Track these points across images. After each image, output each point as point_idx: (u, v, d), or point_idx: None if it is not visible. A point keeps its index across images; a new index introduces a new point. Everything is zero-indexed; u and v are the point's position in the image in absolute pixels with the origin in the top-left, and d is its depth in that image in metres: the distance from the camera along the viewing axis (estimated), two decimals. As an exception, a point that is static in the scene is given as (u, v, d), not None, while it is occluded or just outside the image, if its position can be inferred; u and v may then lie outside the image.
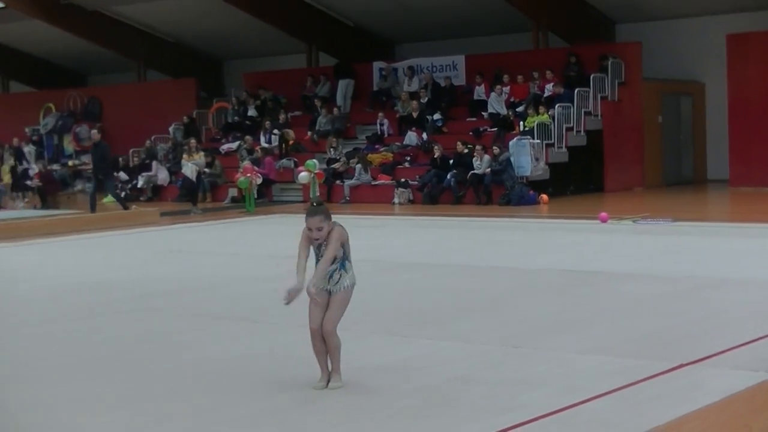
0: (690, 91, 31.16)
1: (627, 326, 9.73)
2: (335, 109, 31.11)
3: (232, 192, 28.91)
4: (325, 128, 30.68)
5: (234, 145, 31.75)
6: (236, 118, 33.71)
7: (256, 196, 26.77)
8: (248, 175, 26.17)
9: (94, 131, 26.52)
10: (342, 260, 7.95)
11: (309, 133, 31.15)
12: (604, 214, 19.81)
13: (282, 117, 31.80)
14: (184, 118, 34.36)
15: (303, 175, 26.80)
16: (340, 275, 7.95)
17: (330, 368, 7.80)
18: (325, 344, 7.79)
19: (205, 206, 27.49)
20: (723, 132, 29.00)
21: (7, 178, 31.10)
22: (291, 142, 30.61)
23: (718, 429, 6.39)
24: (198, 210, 25.88)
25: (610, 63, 28.53)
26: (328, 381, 7.74)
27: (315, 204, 8.09)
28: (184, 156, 27.13)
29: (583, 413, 6.80)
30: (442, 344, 9.11)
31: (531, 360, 8.39)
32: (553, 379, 7.71)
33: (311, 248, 7.99)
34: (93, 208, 24.54)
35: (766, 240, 16.53)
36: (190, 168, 26.50)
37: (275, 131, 31.07)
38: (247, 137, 31.13)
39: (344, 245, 7.98)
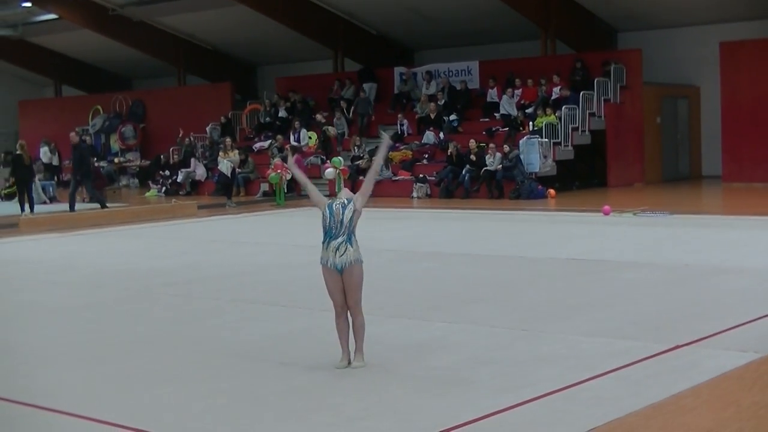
0: (686, 94, 31.02)
1: (628, 311, 9.71)
2: (361, 93, 31.27)
3: (264, 187, 28.90)
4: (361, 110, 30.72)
5: (266, 144, 31.77)
6: (268, 118, 33.74)
7: (285, 191, 26.78)
8: (278, 171, 26.18)
9: (72, 133, 25.45)
10: (349, 233, 7.79)
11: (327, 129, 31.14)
12: (606, 208, 19.75)
13: (319, 116, 31.65)
14: (221, 118, 34.41)
15: (329, 171, 26.53)
16: (346, 248, 7.78)
17: (354, 348, 7.82)
18: (348, 324, 7.80)
19: (239, 200, 27.52)
20: (716, 132, 28.86)
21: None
22: (333, 137, 30.56)
23: (711, 405, 6.38)
24: (233, 203, 25.92)
25: (612, 68, 28.42)
26: (350, 361, 7.76)
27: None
28: (220, 153, 27.17)
29: (587, 390, 6.80)
30: (456, 327, 9.11)
31: (539, 342, 8.39)
32: (559, 360, 7.70)
33: (325, 206, 7.89)
34: (72, 207, 23.68)
35: (757, 231, 16.46)
36: (225, 165, 26.53)
37: (303, 130, 31.09)
38: (279, 136, 31.13)
39: (355, 216, 7.83)
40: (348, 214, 7.76)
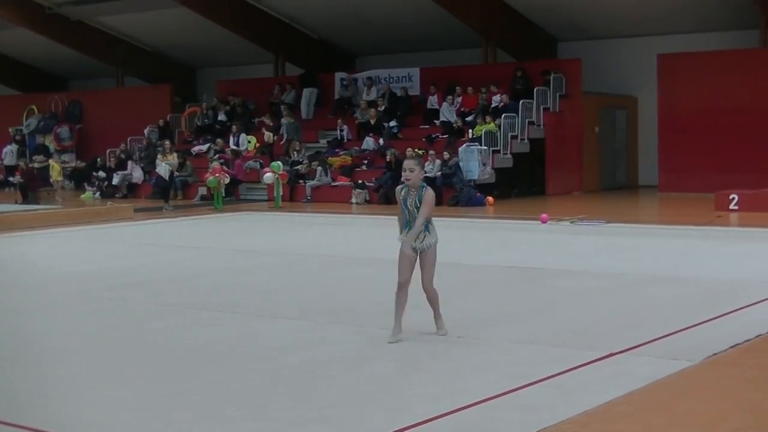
0: (625, 104, 31.39)
1: (563, 318, 9.79)
2: (288, 119, 30.92)
3: (202, 191, 28.76)
4: (288, 135, 30.56)
5: (204, 147, 31.61)
6: (207, 122, 33.56)
7: (224, 195, 26.67)
8: (217, 175, 26.07)
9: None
10: (426, 223, 8.84)
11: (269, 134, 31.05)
12: (544, 216, 19.91)
13: (268, 122, 31.48)
14: (160, 121, 34.19)
15: (268, 176, 26.75)
16: (425, 236, 8.90)
17: (434, 317, 9.03)
18: (407, 298, 8.85)
19: (176, 203, 27.34)
20: (653, 142, 29.24)
21: (56, 175, 30.99)
22: (271, 142, 30.48)
23: (643, 412, 6.45)
24: (170, 207, 25.74)
25: (552, 77, 28.69)
26: (399, 338, 8.74)
27: (414, 152, 8.82)
28: (158, 156, 27.00)
29: (522, 398, 6.83)
30: (393, 333, 9.12)
31: (474, 349, 8.42)
32: (494, 367, 7.74)
33: (400, 203, 8.95)
34: None
35: (691, 241, 16.69)
36: (163, 168, 26.36)
37: (242, 134, 30.97)
38: (219, 140, 30.98)
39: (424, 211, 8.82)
40: (416, 208, 8.83)
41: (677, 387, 7.08)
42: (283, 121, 30.32)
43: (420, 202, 8.79)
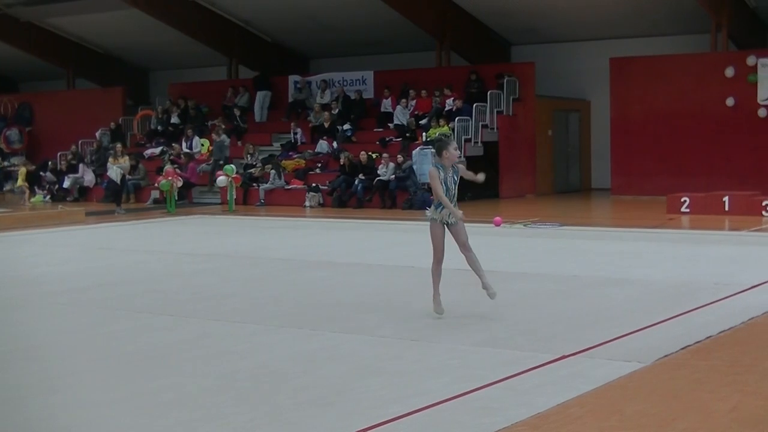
0: (577, 108, 31.63)
1: (517, 321, 9.85)
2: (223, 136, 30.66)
3: (155, 194, 28.61)
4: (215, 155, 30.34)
5: (157, 150, 31.43)
6: (159, 127, 33.35)
7: (177, 198, 26.55)
8: (169, 178, 25.95)
9: None
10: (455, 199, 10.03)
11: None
12: (498, 219, 19.78)
13: (221, 125, 31.28)
14: (111, 124, 33.94)
15: (221, 179, 26.67)
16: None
17: (480, 278, 10.22)
18: (441, 272, 10.12)
19: (128, 207, 27.17)
20: (606, 145, 29.50)
21: (21, 179, 30.89)
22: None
23: (595, 413, 6.50)
24: (122, 210, 25.58)
25: (506, 81, 28.83)
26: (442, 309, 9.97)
27: (444, 137, 10.57)
28: (110, 159, 26.81)
29: (475, 400, 6.87)
30: (346, 337, 9.13)
31: (428, 352, 8.45)
32: (448, 370, 7.76)
33: (441, 183, 9.87)
34: None
35: (643, 243, 16.83)
36: (115, 171, 26.19)
37: (196, 137, 30.84)
38: (175, 145, 30.79)
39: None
40: (454, 184, 10.00)
41: (629, 388, 7.15)
42: (214, 136, 30.07)
43: (457, 177, 9.98)
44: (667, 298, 11.02)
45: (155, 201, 28.49)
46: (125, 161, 26.65)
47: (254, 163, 29.01)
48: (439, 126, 27.00)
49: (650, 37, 29.83)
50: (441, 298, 10.11)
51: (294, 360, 8.26)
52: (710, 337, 8.81)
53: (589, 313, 10.23)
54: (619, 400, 6.85)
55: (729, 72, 26.89)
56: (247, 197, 27.89)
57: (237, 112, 31.69)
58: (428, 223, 10.24)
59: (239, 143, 30.83)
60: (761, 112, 26.58)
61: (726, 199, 21.91)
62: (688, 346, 8.43)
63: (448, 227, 10.11)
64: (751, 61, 26.73)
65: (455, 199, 10.05)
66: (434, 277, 10.18)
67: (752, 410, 6.57)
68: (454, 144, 10.11)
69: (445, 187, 9.93)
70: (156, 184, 27.21)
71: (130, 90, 37.89)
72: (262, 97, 32.42)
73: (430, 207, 10.25)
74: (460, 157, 10.44)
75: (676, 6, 27.97)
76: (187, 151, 30.35)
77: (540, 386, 7.18)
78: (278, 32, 34.54)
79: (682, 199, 22.37)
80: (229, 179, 26.38)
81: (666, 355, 8.08)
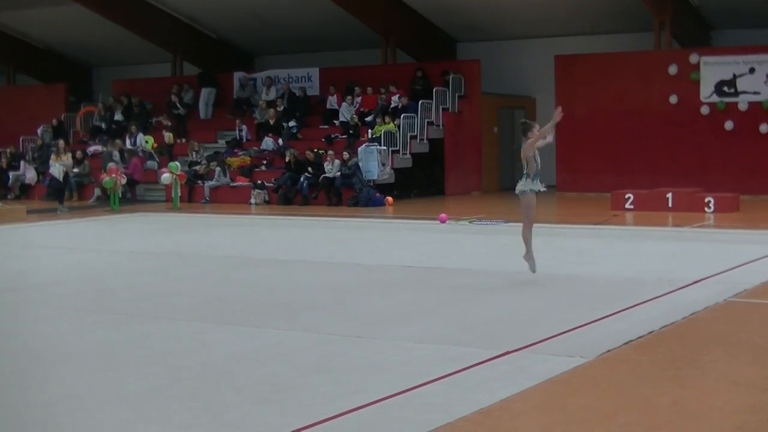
0: (523, 105, 31.80)
1: (461, 317, 9.90)
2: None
3: (98, 191, 28.36)
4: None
5: (100, 148, 31.14)
6: (103, 124, 33.02)
7: (120, 196, 26.34)
8: (113, 175, 25.74)
9: None
10: (529, 172, 11.79)
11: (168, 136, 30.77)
12: (443, 215, 20.08)
13: (166, 122, 31.07)
14: (53, 120, 33.57)
15: (165, 177, 26.52)
16: (522, 180, 11.94)
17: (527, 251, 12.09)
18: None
19: (71, 205, 26.92)
20: (551, 143, 29.66)
21: None
22: (171, 143, 30.18)
23: (538, 409, 6.57)
24: (65, 208, 25.32)
25: (451, 78, 28.94)
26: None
27: (527, 120, 12.35)
28: (52, 157, 26.55)
29: (419, 396, 6.89)
30: (290, 334, 9.13)
31: (373, 349, 8.47)
32: (392, 366, 7.79)
33: (534, 157, 11.76)
34: None
35: (588, 240, 16.98)
36: (57, 168, 25.93)
37: (140, 134, 30.61)
38: (117, 141, 30.52)
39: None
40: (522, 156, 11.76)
41: (571, 384, 7.22)
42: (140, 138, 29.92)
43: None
44: (610, 294, 11.14)
45: (99, 199, 28.24)
46: (68, 158, 26.42)
47: (199, 161, 28.87)
48: (385, 123, 27.05)
49: (595, 35, 30.08)
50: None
51: (237, 358, 8.24)
52: (652, 332, 8.91)
53: (533, 309, 10.31)
54: (562, 395, 6.91)
55: (672, 70, 27.20)
56: (192, 195, 27.75)
57: (183, 111, 31.47)
58: (520, 196, 12.06)
59: (183, 140, 30.66)
60: (704, 110, 26.91)
61: (669, 195, 22.17)
62: (631, 341, 8.53)
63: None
64: (693, 59, 27.05)
65: (539, 172, 11.88)
66: (529, 241, 12.15)
67: (692, 404, 6.67)
68: (537, 126, 11.99)
69: (535, 162, 11.80)
70: (100, 182, 26.97)
71: (72, 86, 37.48)
72: (206, 94, 32.26)
73: (521, 180, 11.95)
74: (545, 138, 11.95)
75: (620, 4, 28.22)
76: (131, 147, 30.11)
77: (483, 382, 7.23)
78: (223, 29, 34.38)
79: (626, 196, 22.60)
80: (174, 177, 26.23)
81: (608, 351, 8.16)
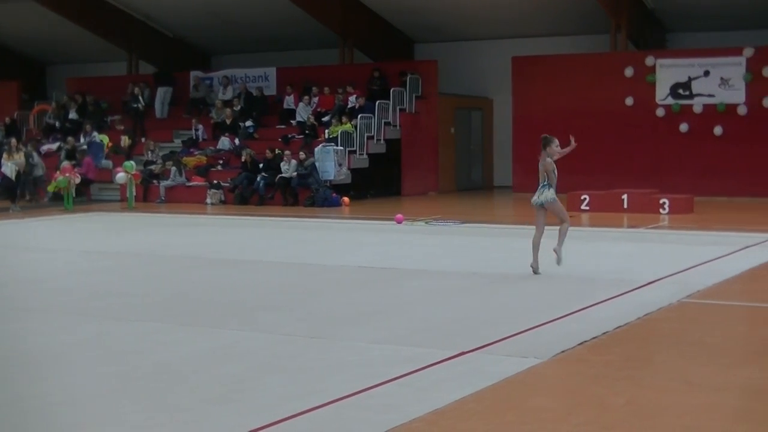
0: (480, 106, 31.92)
1: (417, 318, 9.92)
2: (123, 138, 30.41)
3: (51, 190, 28.06)
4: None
5: (54, 146, 30.88)
6: (57, 122, 32.74)
7: (74, 195, 26.13)
8: (67, 174, 25.54)
9: None
10: (548, 183, 12.73)
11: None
12: (399, 216, 20.11)
13: (120, 127, 30.85)
14: (6, 119, 33.23)
15: (120, 176, 26.35)
16: (542, 191, 12.77)
17: (559, 242, 12.64)
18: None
19: (24, 204, 26.66)
20: (508, 143, 29.85)
21: None
22: (126, 146, 29.98)
23: (493, 409, 6.60)
24: (17, 208, 25.08)
25: (409, 79, 28.98)
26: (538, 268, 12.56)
27: (545, 137, 12.89)
28: (5, 155, 26.28)
29: (374, 397, 6.90)
30: (246, 335, 9.11)
31: (328, 349, 8.47)
32: (347, 367, 7.79)
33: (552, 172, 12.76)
34: None
35: (543, 240, 16.96)
36: (10, 167, 25.69)
37: (95, 133, 30.38)
38: (69, 138, 30.29)
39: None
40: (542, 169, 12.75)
41: (526, 384, 7.26)
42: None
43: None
44: (565, 294, 11.22)
45: (52, 198, 27.98)
46: (20, 157, 26.17)
47: (155, 160, 28.71)
48: (342, 123, 27.04)
49: (551, 37, 30.25)
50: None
51: (192, 358, 8.22)
52: (607, 332, 8.98)
53: (489, 310, 10.37)
54: (517, 395, 6.96)
55: (628, 72, 27.43)
56: (148, 194, 27.59)
57: (142, 105, 31.25)
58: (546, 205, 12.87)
59: (143, 139, 30.47)
60: (659, 112, 27.17)
61: (625, 197, 22.34)
62: (585, 341, 8.59)
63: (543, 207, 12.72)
64: (649, 61, 27.29)
65: (555, 183, 12.70)
66: (534, 247, 12.74)
67: (646, 404, 6.73)
68: (556, 141, 12.80)
69: (554, 175, 12.75)
70: (54, 181, 26.73)
71: (26, 84, 37.12)
72: (162, 93, 32.07)
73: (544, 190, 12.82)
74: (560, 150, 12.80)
75: (576, 6, 28.40)
76: (85, 147, 29.87)
77: (438, 382, 7.25)
78: (180, 27, 34.21)
79: (582, 197, 22.76)
80: (129, 176, 26.07)
81: (563, 351, 8.22)
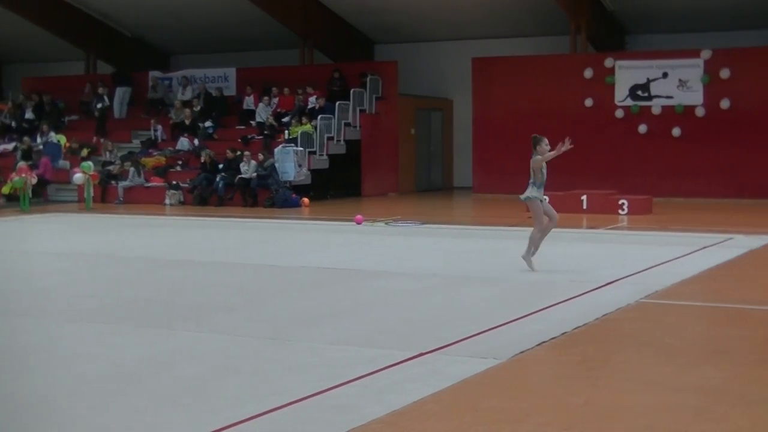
0: (440, 107, 31.97)
1: (376, 319, 9.88)
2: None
3: (6, 191, 27.77)
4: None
5: (10, 147, 30.58)
6: (13, 122, 32.40)
7: (31, 196, 25.86)
8: (23, 175, 25.28)
9: None
10: (535, 181, 12.95)
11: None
12: (359, 217, 20.08)
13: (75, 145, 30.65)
14: (-40, 119, 32.90)
15: (78, 177, 26.13)
16: (531, 189, 13.03)
17: (526, 251, 13.04)
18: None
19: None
20: (468, 144, 29.90)
21: None
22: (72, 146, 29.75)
23: (451, 410, 6.57)
24: (-28, 209, 24.84)
25: (369, 79, 28.97)
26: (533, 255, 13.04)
27: (535, 137, 13.17)
28: (-41, 156, 26.01)
29: (332, 398, 6.85)
30: (203, 337, 9.03)
31: (286, 350, 8.41)
32: (305, 368, 7.74)
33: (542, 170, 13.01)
34: None
35: (503, 241, 17.11)
36: (-35, 168, 25.42)
37: (51, 133, 30.12)
38: (26, 138, 30.01)
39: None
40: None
41: (485, 385, 7.24)
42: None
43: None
44: (524, 295, 11.23)
45: (8, 198, 27.69)
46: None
47: (113, 161, 28.51)
48: (302, 124, 26.99)
49: (511, 38, 30.35)
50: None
51: (149, 361, 8.13)
52: (565, 333, 8.99)
53: (448, 311, 10.35)
54: (475, 396, 6.93)
55: (588, 73, 27.56)
56: (106, 195, 27.39)
57: (106, 104, 30.98)
58: (527, 202, 13.23)
59: (103, 140, 30.22)
60: (618, 113, 27.33)
61: (584, 197, 22.43)
62: (544, 342, 8.59)
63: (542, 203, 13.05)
64: (608, 63, 27.45)
65: (544, 182, 13.00)
66: (536, 240, 13.03)
67: (604, 404, 6.73)
68: (546, 140, 13.06)
69: (541, 174, 12.92)
70: (9, 181, 26.46)
71: (-19, 83, 36.84)
72: (121, 93, 31.86)
73: (529, 188, 13.02)
74: (549, 150, 13.03)
75: (536, 8, 28.51)
76: (41, 147, 29.61)
77: (397, 384, 7.22)
78: (138, 27, 34.01)
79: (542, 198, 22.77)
80: (86, 176, 25.86)
81: (522, 352, 8.21)
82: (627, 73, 27.30)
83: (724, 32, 28.23)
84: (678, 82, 26.71)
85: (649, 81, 27.06)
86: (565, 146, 13.01)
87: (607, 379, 7.44)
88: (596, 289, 11.59)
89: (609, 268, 13.23)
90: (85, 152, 29.25)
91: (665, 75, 26.88)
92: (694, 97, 26.63)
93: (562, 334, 8.94)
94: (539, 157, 12.94)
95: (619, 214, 21.82)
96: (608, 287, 11.74)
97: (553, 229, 13.68)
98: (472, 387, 7.15)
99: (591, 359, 8.17)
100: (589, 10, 27.89)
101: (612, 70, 27.39)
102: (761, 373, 7.58)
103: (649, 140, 27.05)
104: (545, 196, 13.35)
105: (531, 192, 13.04)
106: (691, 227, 18.93)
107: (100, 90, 31.22)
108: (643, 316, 10.08)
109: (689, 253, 14.99)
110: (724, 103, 26.27)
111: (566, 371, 7.67)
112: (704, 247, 15.71)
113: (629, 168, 26.93)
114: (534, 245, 13.11)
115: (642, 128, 27.08)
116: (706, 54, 26.50)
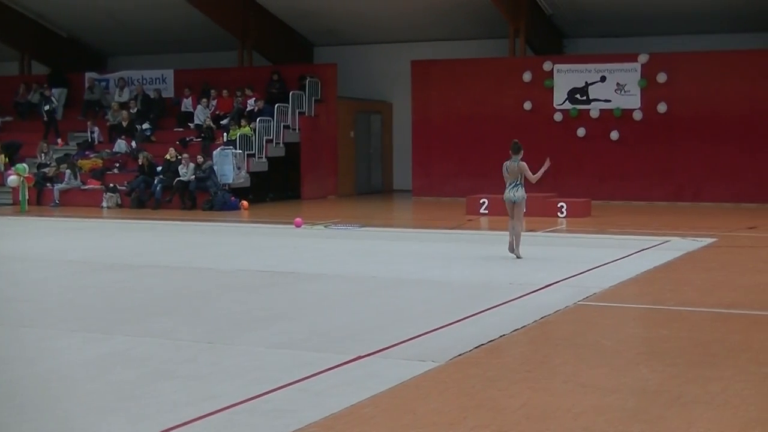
0: (379, 109, 31.99)
1: (314, 322, 9.86)
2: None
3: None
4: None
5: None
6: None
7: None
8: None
9: None
10: (521, 182, 14.47)
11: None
12: (298, 220, 20.02)
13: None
14: None
15: (12, 179, 25.79)
16: (517, 189, 14.65)
17: (515, 245, 14.54)
18: (513, 230, 14.52)
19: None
20: (407, 147, 29.94)
21: None
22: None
23: (389, 413, 6.57)
24: None
25: (308, 82, 28.92)
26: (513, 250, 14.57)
27: (517, 143, 14.84)
28: None
29: (268, 402, 6.83)
30: (139, 341, 8.94)
31: (223, 354, 8.37)
32: (242, 372, 7.71)
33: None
34: None
35: (442, 244, 17.17)
36: None
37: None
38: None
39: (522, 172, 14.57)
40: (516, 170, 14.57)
41: (422, 388, 7.25)
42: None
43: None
44: (463, 298, 11.27)
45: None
46: None
47: (48, 163, 28.17)
48: (240, 126, 26.86)
49: (451, 41, 30.45)
50: None
51: (84, 365, 8.04)
52: (504, 335, 9.04)
53: (386, 314, 10.35)
54: (413, 399, 6.94)
55: (526, 77, 27.73)
56: (41, 198, 27.04)
57: (47, 107, 30.54)
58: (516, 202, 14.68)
59: (59, 140, 29.79)
60: (557, 117, 27.52)
61: (523, 200, 22.51)
62: (482, 345, 8.62)
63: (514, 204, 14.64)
64: (547, 66, 27.63)
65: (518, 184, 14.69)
66: (519, 236, 14.72)
67: (541, 406, 6.77)
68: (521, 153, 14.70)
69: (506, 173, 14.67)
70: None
71: None
72: (57, 95, 31.48)
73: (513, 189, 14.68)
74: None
75: (476, 11, 28.62)
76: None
77: (334, 387, 7.21)
78: (74, 27, 33.62)
79: (481, 201, 22.92)
80: (21, 179, 25.53)
81: (460, 354, 8.24)
82: (565, 77, 27.51)
83: (662, 37, 28.55)
84: (616, 86, 26.95)
85: (587, 85, 27.30)
86: (545, 166, 14.97)
87: (545, 382, 7.49)
88: (534, 291, 11.67)
89: (547, 271, 13.31)
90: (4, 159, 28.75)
91: (603, 79, 27.12)
92: (631, 100, 26.89)
93: (501, 336, 8.99)
94: (523, 163, 14.79)
95: (558, 216, 21.99)
96: (546, 290, 11.82)
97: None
98: (410, 390, 7.16)
99: (528, 362, 8.22)
100: (527, 13, 28.06)
101: (551, 74, 27.58)
102: (697, 374, 7.67)
103: (588, 143, 27.29)
104: (519, 197, 14.92)
105: (521, 192, 14.76)
106: (629, 230, 19.13)
107: (47, 92, 30.81)
108: (580, 319, 10.17)
109: (627, 256, 15.14)
110: (661, 107, 26.57)
111: (504, 374, 7.70)
112: (642, 250, 15.88)
113: (568, 171, 27.11)
114: (518, 239, 14.67)
115: (580, 131, 27.30)
116: (643, 58, 26.78)
